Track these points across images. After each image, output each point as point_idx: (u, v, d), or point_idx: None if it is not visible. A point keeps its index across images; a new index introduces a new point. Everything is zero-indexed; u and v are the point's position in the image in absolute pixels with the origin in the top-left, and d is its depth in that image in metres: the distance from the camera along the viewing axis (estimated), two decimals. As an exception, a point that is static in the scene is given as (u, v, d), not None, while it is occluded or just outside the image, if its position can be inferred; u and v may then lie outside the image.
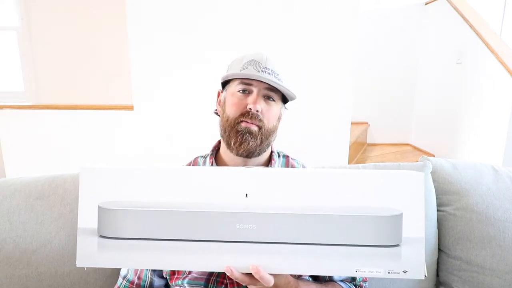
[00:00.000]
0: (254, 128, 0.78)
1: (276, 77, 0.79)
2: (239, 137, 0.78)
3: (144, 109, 2.46)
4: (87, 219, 0.60)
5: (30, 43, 3.59)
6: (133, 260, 0.60)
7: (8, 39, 3.56)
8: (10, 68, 3.61)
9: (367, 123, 3.80)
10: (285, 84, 0.80)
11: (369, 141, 3.80)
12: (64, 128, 2.55)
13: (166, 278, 0.83)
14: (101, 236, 0.60)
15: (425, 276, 0.59)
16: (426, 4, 3.56)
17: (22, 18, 3.53)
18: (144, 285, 0.83)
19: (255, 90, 0.79)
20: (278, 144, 0.93)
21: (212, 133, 0.86)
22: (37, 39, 3.58)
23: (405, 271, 0.59)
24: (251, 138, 0.78)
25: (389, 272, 0.59)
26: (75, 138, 2.55)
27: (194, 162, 0.90)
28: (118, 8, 2.94)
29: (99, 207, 0.60)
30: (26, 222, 0.97)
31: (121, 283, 0.84)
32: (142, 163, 2.50)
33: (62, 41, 3.56)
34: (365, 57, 3.45)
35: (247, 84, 0.79)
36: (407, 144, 3.81)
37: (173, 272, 0.79)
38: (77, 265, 0.59)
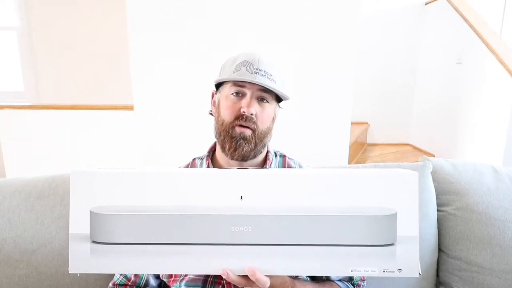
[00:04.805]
0: (248, 132, 0.78)
1: (269, 78, 0.78)
2: (233, 143, 0.78)
3: (144, 109, 2.46)
4: (78, 224, 0.59)
5: (30, 43, 3.59)
6: (127, 265, 0.59)
7: (8, 39, 3.56)
8: (10, 68, 3.61)
9: (367, 123, 3.80)
10: (278, 84, 0.80)
11: (369, 141, 3.80)
12: (64, 128, 2.55)
13: (162, 279, 0.83)
14: (94, 242, 0.59)
15: (420, 274, 0.59)
16: (426, 4, 3.56)
17: (22, 18, 3.52)
18: (140, 282, 0.84)
19: (248, 92, 0.79)
20: (277, 144, 0.93)
21: (212, 134, 0.86)
22: (37, 39, 3.58)
23: (399, 270, 0.59)
24: (245, 144, 0.78)
25: (384, 271, 0.59)
26: (75, 138, 2.55)
27: (192, 163, 0.90)
28: (118, 8, 2.94)
29: (91, 212, 0.58)
30: (26, 222, 0.97)
31: (118, 278, 0.85)
32: (141, 163, 2.50)
33: (62, 41, 3.56)
34: (365, 57, 3.45)
35: (240, 86, 0.79)
36: (407, 144, 3.81)
37: (170, 275, 0.79)
38: (69, 272, 0.59)
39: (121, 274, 0.84)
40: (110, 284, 0.85)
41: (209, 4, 2.27)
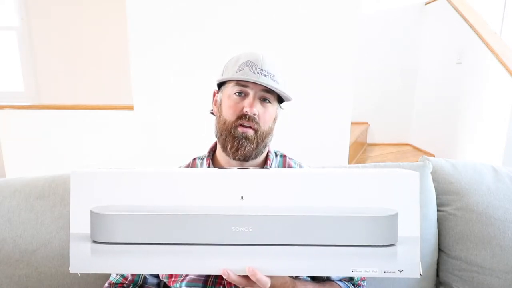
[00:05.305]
0: (251, 132, 0.78)
1: (272, 79, 0.78)
2: (235, 143, 0.78)
3: (144, 109, 2.46)
4: (79, 224, 0.59)
5: (30, 43, 3.58)
6: (128, 265, 0.59)
7: (8, 39, 3.56)
8: (10, 68, 3.61)
9: (367, 123, 3.80)
10: (281, 85, 0.80)
11: (369, 141, 3.80)
12: (64, 128, 2.55)
13: (162, 279, 0.83)
14: (94, 242, 0.59)
15: (420, 274, 0.59)
16: (426, 4, 3.56)
17: (22, 18, 3.52)
18: (138, 280, 0.84)
19: (251, 92, 0.79)
20: (277, 144, 0.93)
21: (212, 134, 0.86)
22: (37, 39, 3.58)
23: (400, 270, 0.59)
24: (247, 143, 0.78)
25: (385, 272, 0.59)
26: (75, 138, 2.55)
27: (193, 163, 0.90)
28: (119, 8, 2.94)
29: (91, 212, 0.58)
30: (26, 222, 0.97)
31: (114, 277, 0.85)
32: (141, 163, 2.50)
33: (62, 41, 3.56)
34: (365, 57, 3.45)
35: (243, 86, 0.79)
36: (407, 144, 3.81)
37: (170, 275, 0.79)
38: (70, 271, 0.59)
39: (117, 273, 0.84)
40: (106, 284, 0.85)
41: (209, 4, 2.27)
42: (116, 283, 0.85)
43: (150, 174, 0.60)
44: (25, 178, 1.05)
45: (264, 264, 0.59)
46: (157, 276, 0.85)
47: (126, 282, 0.84)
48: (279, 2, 2.26)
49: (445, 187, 1.07)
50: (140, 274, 0.84)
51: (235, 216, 0.58)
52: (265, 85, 0.77)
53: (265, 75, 0.77)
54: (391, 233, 0.59)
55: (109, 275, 0.91)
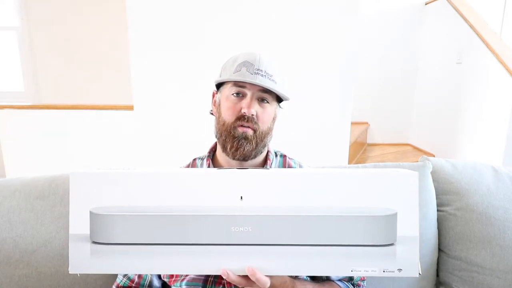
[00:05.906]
0: (250, 132, 0.78)
1: (269, 79, 0.78)
2: (235, 143, 0.78)
3: (144, 109, 2.46)
4: (78, 225, 0.59)
5: (30, 43, 3.58)
6: (127, 265, 0.59)
7: (8, 39, 3.56)
8: (10, 68, 3.61)
9: (367, 123, 3.80)
10: (278, 85, 0.80)
11: (369, 141, 3.80)
12: (64, 128, 2.55)
13: (163, 279, 0.83)
14: (94, 242, 0.59)
15: (419, 274, 0.59)
16: (426, 4, 3.56)
17: (22, 18, 3.52)
18: (144, 283, 0.84)
19: (249, 93, 0.79)
20: (277, 144, 0.93)
21: (212, 134, 0.86)
22: (37, 39, 3.58)
23: (399, 270, 0.59)
24: (247, 143, 0.78)
25: (384, 271, 0.59)
26: (75, 138, 2.55)
27: (193, 164, 0.91)
28: (118, 8, 2.94)
29: (91, 212, 0.58)
30: (26, 222, 0.97)
31: (121, 281, 0.84)
32: (141, 163, 2.50)
33: (62, 41, 3.56)
34: (365, 57, 3.45)
35: (240, 86, 0.79)
36: (407, 144, 3.81)
37: (171, 275, 0.79)
38: (69, 272, 0.59)
39: (124, 276, 0.84)
40: (114, 287, 0.85)
41: (209, 4, 2.27)
42: (123, 287, 0.84)
43: (149, 174, 0.60)
44: (25, 178, 1.05)
45: (263, 264, 0.59)
46: (161, 279, 0.85)
47: (133, 285, 0.84)
48: (279, 2, 2.26)
49: (445, 187, 1.07)
50: (145, 278, 0.83)
51: (234, 216, 0.58)
52: (262, 86, 0.77)
53: (262, 75, 0.77)
54: (390, 232, 0.59)
55: (109, 276, 0.91)
